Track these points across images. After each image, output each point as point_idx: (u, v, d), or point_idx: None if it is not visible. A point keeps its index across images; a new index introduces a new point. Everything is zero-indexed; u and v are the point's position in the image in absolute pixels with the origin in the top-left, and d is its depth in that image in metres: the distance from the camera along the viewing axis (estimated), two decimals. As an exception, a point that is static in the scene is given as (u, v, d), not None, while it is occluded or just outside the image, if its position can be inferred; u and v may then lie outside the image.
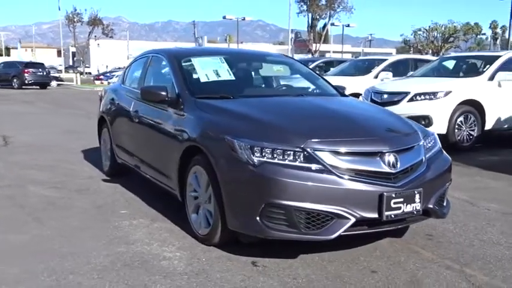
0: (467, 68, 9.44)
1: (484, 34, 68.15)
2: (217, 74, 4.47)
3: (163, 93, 4.24)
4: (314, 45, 45.24)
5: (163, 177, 4.37)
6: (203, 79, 4.40)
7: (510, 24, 27.99)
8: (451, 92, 8.11)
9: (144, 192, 5.20)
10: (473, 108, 8.25)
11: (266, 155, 3.22)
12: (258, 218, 3.21)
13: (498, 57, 9.00)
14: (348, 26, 48.06)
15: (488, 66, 8.80)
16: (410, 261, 3.46)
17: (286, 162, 3.20)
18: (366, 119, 3.82)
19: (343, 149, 3.26)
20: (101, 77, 40.26)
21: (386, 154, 3.32)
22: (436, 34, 36.24)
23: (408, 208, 3.27)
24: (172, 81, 4.43)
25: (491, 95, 8.41)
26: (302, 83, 4.98)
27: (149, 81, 5.13)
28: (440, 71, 9.66)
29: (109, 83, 27.65)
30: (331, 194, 3.14)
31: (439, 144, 3.87)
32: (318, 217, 3.16)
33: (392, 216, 3.23)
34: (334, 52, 52.31)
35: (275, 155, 3.21)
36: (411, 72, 10.67)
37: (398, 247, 3.73)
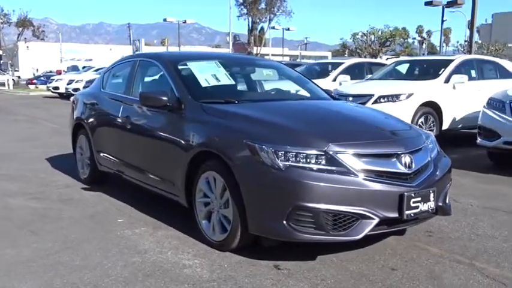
0: (423, 71, 9.90)
1: (414, 39, 71.62)
2: (217, 79, 4.45)
3: (165, 98, 4.18)
4: (255, 48, 45.63)
5: (164, 183, 4.30)
6: (204, 84, 4.37)
7: (441, 30, 29.56)
8: (412, 94, 8.49)
9: (131, 199, 5.07)
10: (432, 109, 8.68)
11: (290, 158, 3.26)
12: (284, 222, 3.24)
13: (451, 61, 9.52)
14: (288, 29, 48.96)
15: (443, 69, 9.28)
16: (422, 258, 3.61)
17: (311, 165, 3.25)
18: (376, 122, 3.94)
19: (363, 152, 3.36)
20: (35, 81, 38.38)
21: (402, 155, 3.46)
22: (373, 38, 37.77)
23: (425, 207, 3.42)
24: (170, 86, 4.37)
25: (447, 97, 8.88)
26: (294, 87, 5.05)
27: (139, 86, 5.02)
28: (397, 74, 10.07)
29: (48, 88, 26.42)
30: (355, 195, 3.23)
31: (438, 146, 4.07)
32: (344, 218, 3.23)
33: (412, 215, 3.36)
34: (273, 55, 52.98)
35: (299, 159, 3.26)
36: (369, 76, 11.04)
37: (405, 245, 3.88)
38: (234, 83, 4.53)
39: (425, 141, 3.82)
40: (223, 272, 3.34)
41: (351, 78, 11.37)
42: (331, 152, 3.29)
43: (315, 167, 3.25)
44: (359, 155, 3.33)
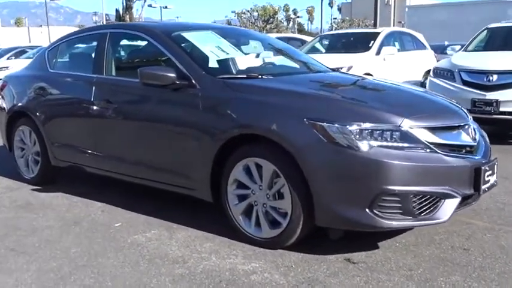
0: (352, 45, 9.93)
1: (297, 17, 73.64)
2: (223, 51, 3.83)
3: (172, 75, 3.48)
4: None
5: (171, 176, 3.63)
6: (213, 56, 3.74)
7: (321, 9, 30.57)
8: (352, 66, 8.45)
9: (108, 197, 4.26)
10: (368, 81, 8.73)
11: (368, 137, 2.85)
12: (367, 210, 2.84)
13: (378, 33, 9.67)
14: (166, 7, 47.22)
15: (372, 42, 9.38)
16: (478, 233, 3.43)
17: (392, 143, 2.87)
18: (421, 93, 3.68)
19: (435, 125, 3.05)
20: None
21: (467, 126, 3.22)
22: (257, 15, 37.93)
23: (492, 180, 3.22)
24: (172, 61, 3.67)
25: (379, 69, 9.00)
26: (292, 61, 4.57)
27: (114, 64, 4.18)
28: (328, 49, 10.00)
29: None
30: (439, 173, 2.92)
31: None
32: (430, 200, 2.91)
33: (486, 189, 3.15)
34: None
35: (376, 137, 2.86)
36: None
37: (451, 221, 3.68)
38: (243, 55, 3.94)
39: None
40: (297, 273, 2.85)
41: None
42: (406, 128, 2.93)
43: (396, 144, 2.87)
44: (432, 129, 3.02)
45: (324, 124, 2.89)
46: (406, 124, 2.93)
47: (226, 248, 3.23)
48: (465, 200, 3.13)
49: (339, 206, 2.89)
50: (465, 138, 3.16)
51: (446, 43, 17.80)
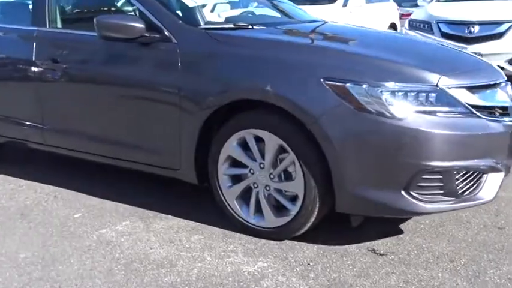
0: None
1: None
2: (200, -4, 3.09)
3: (140, 25, 2.73)
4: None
5: (147, 154, 2.92)
6: (190, 3, 2.99)
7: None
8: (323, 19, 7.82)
9: (63, 178, 3.50)
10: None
11: (402, 101, 2.26)
12: (403, 192, 2.28)
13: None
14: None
15: (336, -8, 8.75)
16: (507, 207, 2.99)
17: (428, 108, 2.29)
18: (445, 47, 3.13)
19: (474, 83, 2.49)
20: None
21: (503, 84, 2.69)
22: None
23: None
24: (139, 8, 2.90)
25: (346, 21, 8.42)
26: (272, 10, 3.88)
27: (60, 13, 3.33)
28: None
29: None
30: (482, 142, 2.39)
31: None
32: (473, 176, 2.39)
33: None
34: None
35: (410, 100, 2.27)
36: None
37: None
38: (227, 1, 3.22)
39: None
40: (319, 274, 2.28)
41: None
42: (444, 87, 2.35)
43: (434, 109, 2.30)
44: (471, 88, 2.46)
45: (348, 85, 2.27)
46: (444, 83, 2.35)
47: (220, 241, 2.61)
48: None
49: (366, 189, 2.31)
50: (503, 98, 2.63)
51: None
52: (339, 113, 2.28)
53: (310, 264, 2.37)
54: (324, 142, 2.31)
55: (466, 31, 6.13)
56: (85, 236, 2.69)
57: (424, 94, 2.30)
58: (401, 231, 2.67)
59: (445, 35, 6.27)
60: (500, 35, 5.97)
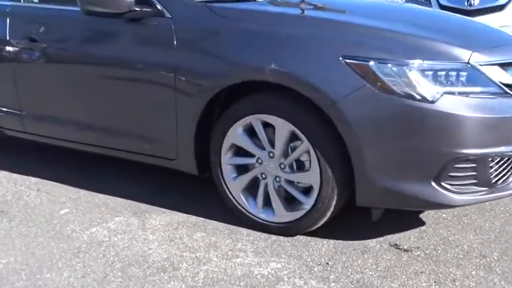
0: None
1: None
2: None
3: (129, -1, 2.42)
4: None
5: (141, 142, 2.63)
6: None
7: None
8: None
9: (47, 168, 3.20)
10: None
11: (431, 80, 2.00)
12: (433, 183, 2.04)
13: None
14: None
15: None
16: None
17: (460, 88, 2.04)
18: (468, 20, 2.87)
19: (506, 60, 2.24)
20: None
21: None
22: None
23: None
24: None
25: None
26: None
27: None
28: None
29: None
30: (517, 126, 2.16)
31: None
32: (506, 164, 2.16)
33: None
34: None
35: (441, 80, 2.02)
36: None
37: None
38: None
39: None
40: (340, 275, 2.05)
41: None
42: (476, 65, 2.09)
43: (466, 89, 2.05)
44: (504, 65, 2.21)
45: (371, 64, 2.00)
46: (475, 60, 2.09)
47: (226, 238, 2.36)
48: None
49: (391, 180, 2.06)
50: (534, 76, 2.38)
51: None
52: (361, 95, 2.01)
53: (329, 264, 2.13)
54: (343, 128, 2.05)
55: (466, 3, 5.87)
56: (74, 236, 2.41)
57: (454, 73, 2.05)
58: (422, 223, 2.45)
59: (444, 7, 6.00)
60: (501, 7, 5.73)
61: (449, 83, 2.03)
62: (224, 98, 2.35)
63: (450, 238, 2.31)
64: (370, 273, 2.06)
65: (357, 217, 2.41)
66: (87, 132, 2.79)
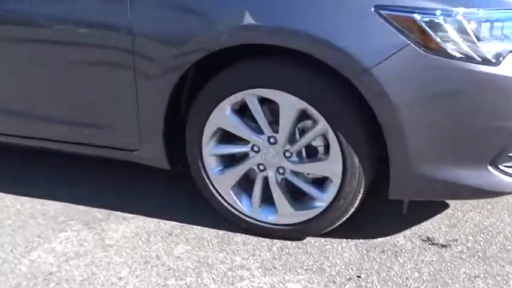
0: None
1: None
2: None
3: None
4: None
5: (96, 132, 1.98)
6: None
7: None
8: None
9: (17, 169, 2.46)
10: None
11: (494, 36, 1.53)
12: (489, 166, 1.61)
13: None
14: None
15: None
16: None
17: (518, 43, 1.60)
18: None
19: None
20: None
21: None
22: None
23: None
24: None
25: None
26: None
27: None
28: None
29: None
30: None
31: None
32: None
33: None
34: None
35: (508, 33, 1.55)
36: None
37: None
38: None
39: None
40: (396, 279, 1.61)
41: None
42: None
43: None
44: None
45: (416, 16, 1.48)
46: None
47: (217, 251, 1.81)
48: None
49: (438, 166, 1.61)
50: None
51: None
52: (403, 58, 1.50)
53: (361, 277, 1.67)
54: (377, 102, 1.55)
55: None
56: (7, 269, 1.75)
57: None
58: (445, 205, 2.05)
59: None
60: None
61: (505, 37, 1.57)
62: (206, 68, 1.75)
63: (485, 223, 1.94)
64: (416, 284, 1.63)
65: (368, 206, 1.95)
66: (21, 121, 2.07)
